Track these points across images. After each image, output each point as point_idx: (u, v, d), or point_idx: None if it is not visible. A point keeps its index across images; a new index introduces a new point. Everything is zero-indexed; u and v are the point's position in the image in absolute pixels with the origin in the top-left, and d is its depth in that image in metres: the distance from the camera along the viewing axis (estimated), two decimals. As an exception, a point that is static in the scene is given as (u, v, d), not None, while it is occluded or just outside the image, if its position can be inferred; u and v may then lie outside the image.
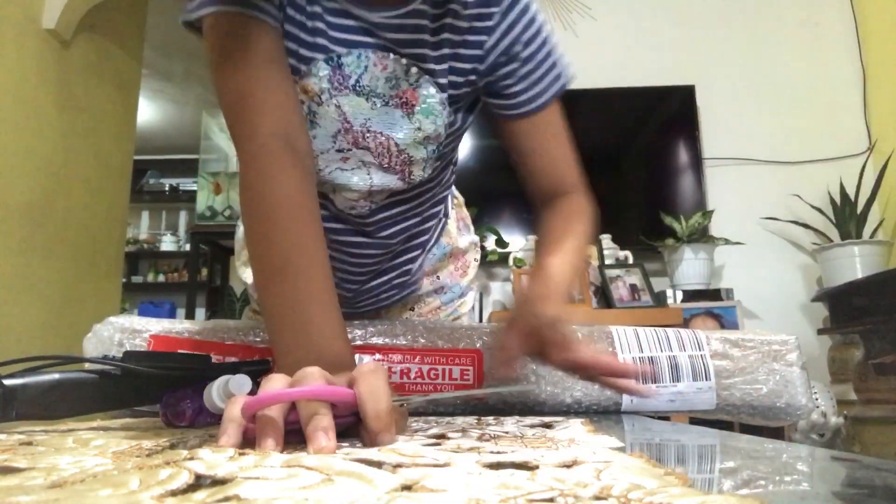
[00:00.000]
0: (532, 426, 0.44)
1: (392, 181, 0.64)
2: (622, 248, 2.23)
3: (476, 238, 0.87)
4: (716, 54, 2.49)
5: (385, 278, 0.76)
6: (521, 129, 0.65)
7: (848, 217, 2.14)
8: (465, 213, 0.88)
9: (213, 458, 0.27)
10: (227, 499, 0.20)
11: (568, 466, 0.26)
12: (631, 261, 2.19)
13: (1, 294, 2.05)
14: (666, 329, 0.66)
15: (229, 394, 0.41)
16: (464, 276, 0.84)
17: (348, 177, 0.63)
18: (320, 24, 0.57)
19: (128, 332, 0.61)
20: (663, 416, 0.64)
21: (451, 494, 0.20)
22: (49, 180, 2.21)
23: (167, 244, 4.90)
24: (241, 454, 0.29)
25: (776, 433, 1.80)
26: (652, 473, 0.24)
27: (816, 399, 1.89)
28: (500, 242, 2.25)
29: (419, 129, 0.61)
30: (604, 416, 0.60)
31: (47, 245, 2.26)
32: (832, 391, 1.97)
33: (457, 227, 0.83)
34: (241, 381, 0.41)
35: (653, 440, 0.41)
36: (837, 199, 2.18)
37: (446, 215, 0.80)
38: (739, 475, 0.28)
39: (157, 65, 3.94)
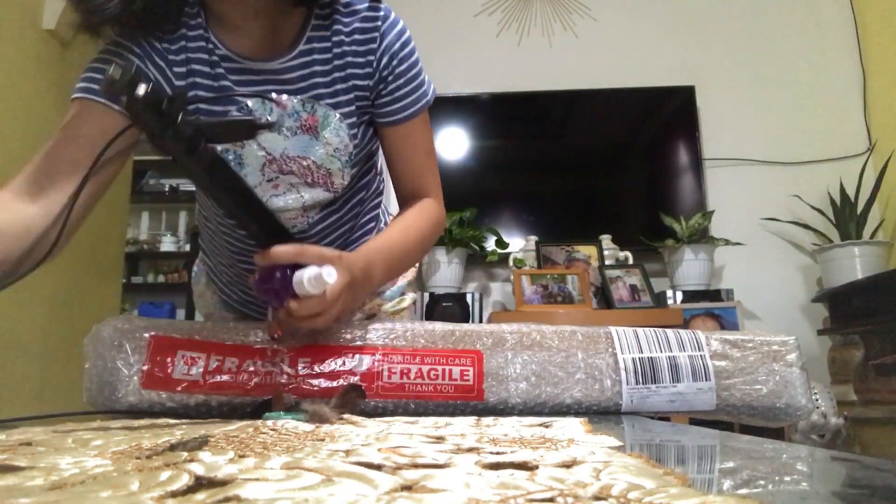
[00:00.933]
0: (531, 426, 0.44)
1: (320, 194, 0.74)
2: (622, 249, 2.23)
3: None
4: (716, 54, 2.49)
5: None
6: (390, 136, 0.77)
7: (848, 217, 2.14)
8: None
9: (213, 460, 0.27)
10: (227, 500, 0.20)
11: (567, 466, 0.26)
12: (631, 261, 2.19)
13: (1, 294, 2.04)
14: (666, 329, 0.66)
15: (322, 283, 0.55)
16: (402, 278, 0.92)
17: (284, 199, 0.74)
18: (226, 83, 0.69)
19: (128, 332, 0.61)
20: (663, 417, 0.64)
21: (450, 495, 0.20)
22: (49, 181, 2.21)
23: (167, 245, 4.90)
24: (241, 456, 0.30)
25: (776, 434, 1.80)
26: (651, 474, 0.24)
27: (816, 400, 1.89)
28: (500, 243, 2.26)
29: (328, 143, 0.72)
30: (603, 416, 0.60)
31: (47, 245, 2.26)
32: (832, 392, 1.97)
33: None
34: (330, 272, 0.56)
35: (652, 440, 0.41)
36: (837, 200, 2.18)
37: (385, 224, 0.92)
38: (739, 475, 0.28)
39: (157, 65, 3.93)
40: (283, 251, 0.57)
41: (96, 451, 0.32)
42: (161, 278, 4.90)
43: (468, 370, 0.61)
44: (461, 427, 0.44)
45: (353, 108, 0.72)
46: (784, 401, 0.63)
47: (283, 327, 0.60)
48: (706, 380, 0.62)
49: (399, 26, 0.73)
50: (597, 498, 0.20)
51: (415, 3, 2.59)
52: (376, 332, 0.63)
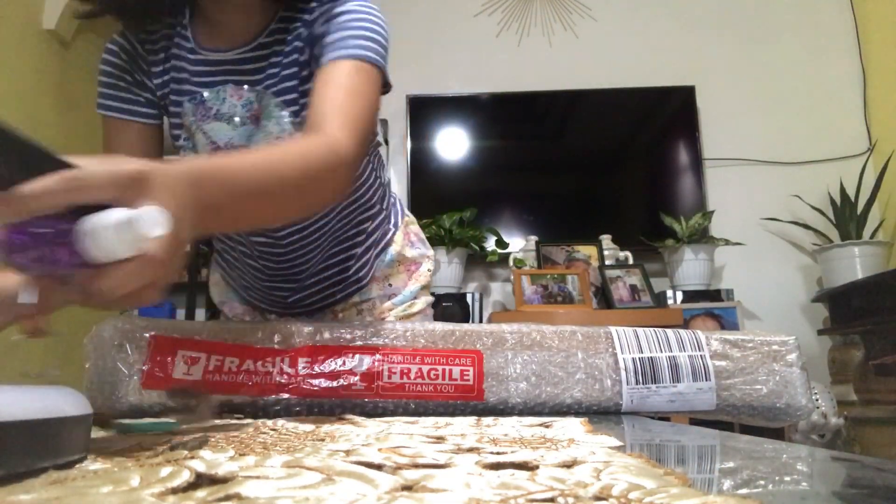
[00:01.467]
0: (531, 426, 0.44)
1: None
2: (622, 249, 2.23)
3: (431, 252, 0.93)
4: (716, 54, 2.49)
5: (322, 276, 0.82)
6: (316, 76, 0.67)
7: (848, 217, 2.14)
8: (416, 229, 0.94)
9: (214, 458, 0.27)
10: (227, 497, 0.20)
11: (568, 466, 0.26)
12: (631, 261, 2.19)
13: (1, 294, 2.04)
14: (666, 329, 0.66)
15: (140, 237, 0.32)
16: (415, 282, 0.89)
17: None
18: (184, 74, 0.73)
19: (128, 332, 0.61)
20: (663, 417, 0.64)
21: (451, 495, 0.20)
22: (49, 180, 2.21)
23: (167, 244, 4.89)
24: (241, 455, 0.30)
25: (776, 434, 1.80)
26: (651, 473, 0.24)
27: (817, 400, 1.89)
28: (500, 243, 2.26)
29: (269, 133, 0.71)
30: (604, 416, 0.60)
31: (47, 245, 2.26)
32: (832, 392, 1.97)
33: (406, 240, 0.90)
34: (151, 216, 0.32)
35: (652, 440, 0.41)
36: (837, 200, 2.18)
37: (395, 226, 0.88)
38: (739, 475, 0.28)
39: (157, 65, 3.93)
40: (43, 188, 0.32)
41: (97, 450, 0.32)
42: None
43: (468, 370, 0.61)
44: (461, 427, 0.44)
45: (296, 94, 0.71)
46: (784, 401, 0.63)
47: (53, 307, 0.38)
48: (706, 380, 0.62)
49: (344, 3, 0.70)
50: (597, 498, 0.20)
51: (415, 3, 2.59)
52: (376, 332, 0.63)
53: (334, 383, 0.59)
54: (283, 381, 0.59)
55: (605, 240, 2.24)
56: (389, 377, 0.60)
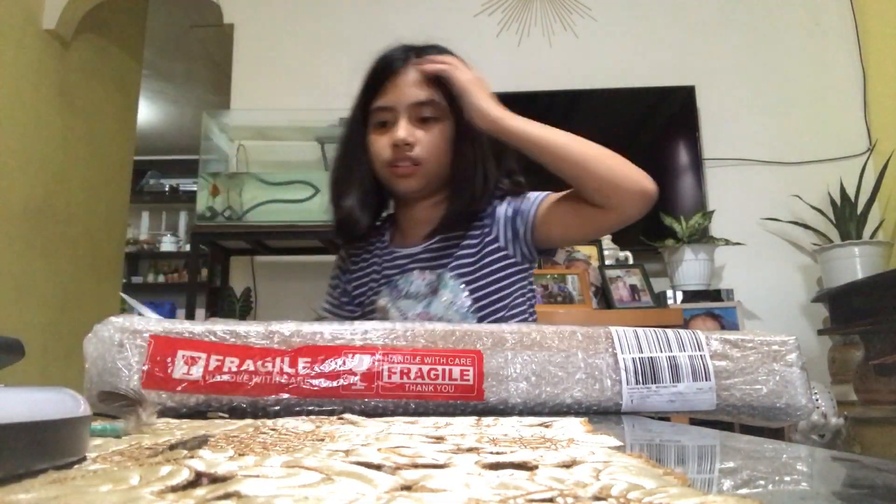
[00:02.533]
0: (531, 426, 0.44)
1: None
2: (622, 249, 2.23)
3: None
4: (716, 54, 2.49)
5: None
6: (542, 216, 0.94)
7: (848, 217, 2.14)
8: None
9: (214, 457, 0.27)
10: (227, 496, 0.20)
11: (567, 466, 0.26)
12: (631, 261, 2.19)
13: (1, 294, 2.05)
14: (666, 329, 0.66)
15: None
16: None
17: None
18: (381, 267, 0.97)
19: (128, 332, 0.60)
20: (663, 417, 0.64)
21: (450, 495, 0.20)
22: (49, 180, 2.21)
23: (167, 245, 4.90)
24: (241, 455, 0.30)
25: (776, 434, 1.80)
26: (651, 473, 0.24)
27: (817, 400, 1.89)
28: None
29: (444, 299, 0.90)
30: (603, 416, 0.60)
31: (47, 245, 2.26)
32: (832, 392, 1.97)
33: None
34: None
35: (652, 440, 0.41)
36: (837, 200, 2.18)
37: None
38: (739, 475, 0.28)
39: (157, 65, 3.94)
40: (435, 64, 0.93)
41: (96, 451, 0.32)
42: (161, 278, 4.90)
43: (468, 370, 0.61)
44: (461, 427, 0.44)
45: (472, 266, 0.92)
46: (784, 401, 0.63)
47: None
48: (706, 380, 0.62)
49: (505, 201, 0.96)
50: (597, 498, 0.20)
51: (415, 3, 2.59)
52: (376, 332, 0.63)
53: (334, 383, 0.59)
54: (283, 381, 0.59)
55: (605, 240, 2.24)
56: (389, 377, 0.60)
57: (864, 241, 2.10)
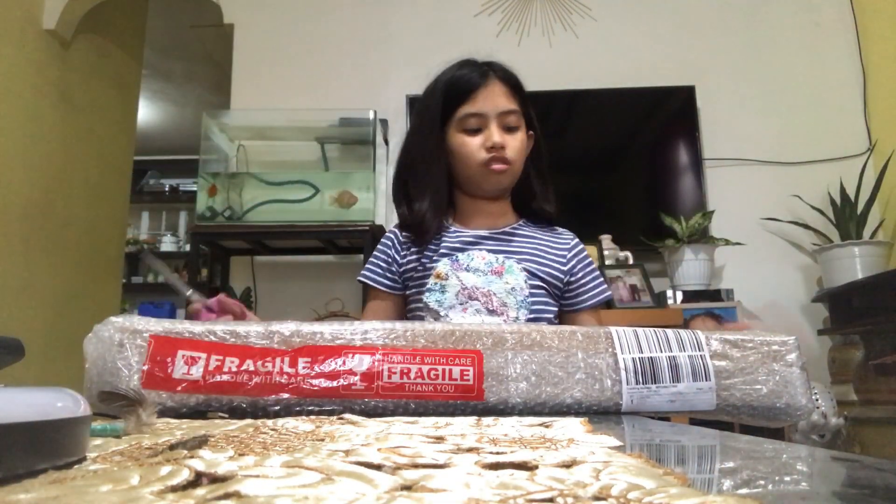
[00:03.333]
0: (531, 426, 0.44)
1: (497, 320, 0.96)
2: (622, 249, 2.23)
3: None
4: (716, 54, 2.49)
5: None
6: (580, 317, 1.05)
7: (848, 217, 2.14)
8: None
9: (213, 457, 0.27)
10: (227, 495, 0.20)
11: (567, 466, 0.26)
12: (631, 261, 2.19)
13: (1, 294, 2.05)
14: (666, 329, 0.66)
15: None
16: None
17: (469, 320, 0.95)
18: (445, 241, 1.03)
19: (128, 332, 0.60)
20: (663, 417, 0.64)
21: (450, 495, 0.20)
22: (49, 180, 2.21)
23: (167, 245, 4.90)
24: (241, 455, 0.30)
25: (776, 434, 1.80)
26: (651, 473, 0.24)
27: (817, 400, 1.89)
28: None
29: (507, 283, 0.97)
30: (603, 416, 0.60)
31: (47, 245, 2.26)
32: (832, 392, 1.97)
33: None
34: None
35: (652, 440, 0.41)
36: (837, 200, 2.18)
37: None
38: (739, 475, 0.28)
39: (157, 65, 3.94)
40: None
41: (96, 451, 0.32)
42: (161, 278, 4.90)
43: (468, 370, 0.61)
44: (461, 427, 0.44)
45: (534, 270, 1.00)
46: (784, 401, 0.63)
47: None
48: (706, 380, 0.62)
49: (581, 245, 1.10)
50: (597, 498, 0.20)
51: (415, 3, 2.59)
52: (376, 332, 0.63)
53: (334, 383, 0.59)
54: (283, 381, 0.59)
55: (605, 240, 2.24)
56: (389, 377, 0.60)
57: (864, 241, 2.10)
